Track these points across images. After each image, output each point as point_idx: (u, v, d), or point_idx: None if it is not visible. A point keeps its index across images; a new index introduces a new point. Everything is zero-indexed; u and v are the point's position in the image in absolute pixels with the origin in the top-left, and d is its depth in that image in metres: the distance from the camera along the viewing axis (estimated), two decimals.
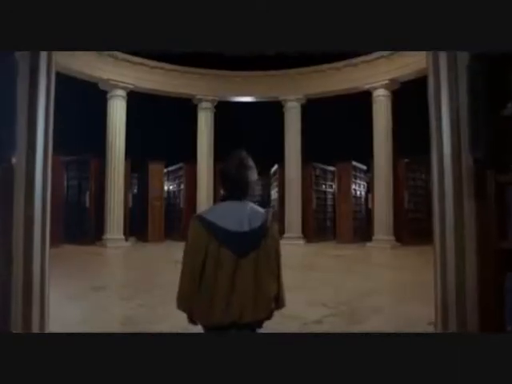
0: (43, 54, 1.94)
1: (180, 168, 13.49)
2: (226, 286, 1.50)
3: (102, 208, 11.23)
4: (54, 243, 9.76)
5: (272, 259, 1.59)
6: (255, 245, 1.54)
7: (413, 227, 11.65)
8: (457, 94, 1.86)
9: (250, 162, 1.63)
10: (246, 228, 1.52)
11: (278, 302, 1.66)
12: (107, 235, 11.03)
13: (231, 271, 1.50)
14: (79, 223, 11.56)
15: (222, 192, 1.66)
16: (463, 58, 1.83)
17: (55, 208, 10.36)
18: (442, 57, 1.95)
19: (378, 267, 8.40)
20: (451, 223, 1.84)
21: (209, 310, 1.51)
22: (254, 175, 1.62)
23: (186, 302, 1.57)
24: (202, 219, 1.54)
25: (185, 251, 1.57)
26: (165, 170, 13.40)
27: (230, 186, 1.59)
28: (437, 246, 1.96)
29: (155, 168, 12.84)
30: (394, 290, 5.78)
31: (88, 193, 11.74)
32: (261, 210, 1.63)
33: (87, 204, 11.70)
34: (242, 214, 1.54)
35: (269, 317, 1.64)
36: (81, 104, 11.28)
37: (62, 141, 10.52)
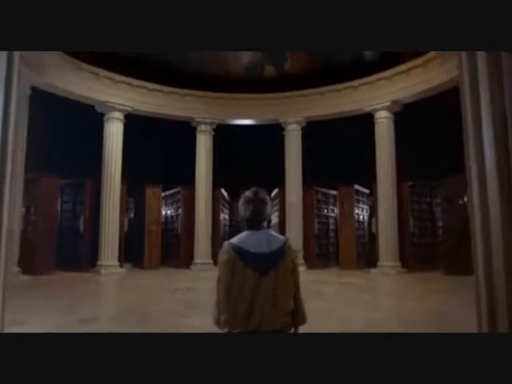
0: (2, 54, 1.67)
1: (178, 192, 13.14)
2: (247, 299, 1.73)
3: (96, 233, 10.84)
4: (46, 270, 9.55)
5: (289, 278, 1.81)
6: (274, 264, 1.77)
7: (419, 252, 11.30)
8: (501, 87, 1.55)
9: (265, 197, 1.89)
10: (265, 250, 1.78)
11: (299, 317, 1.87)
12: (101, 261, 10.61)
13: (253, 287, 1.73)
14: (73, 249, 11.08)
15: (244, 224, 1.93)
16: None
17: (48, 233, 10.20)
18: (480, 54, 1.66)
19: (385, 296, 7.97)
20: (500, 248, 1.50)
21: (233, 319, 1.74)
22: (268, 208, 1.89)
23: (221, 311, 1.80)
24: (230, 243, 1.83)
25: (218, 276, 1.81)
26: (162, 194, 13.06)
27: (248, 219, 1.87)
28: (480, 272, 1.62)
29: (152, 192, 12.49)
30: (404, 320, 5.37)
31: (82, 217, 11.35)
32: (279, 236, 1.91)
33: (81, 229, 11.29)
34: (261, 240, 1.81)
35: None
36: (77, 126, 11.06)
37: (57, 163, 10.34)
